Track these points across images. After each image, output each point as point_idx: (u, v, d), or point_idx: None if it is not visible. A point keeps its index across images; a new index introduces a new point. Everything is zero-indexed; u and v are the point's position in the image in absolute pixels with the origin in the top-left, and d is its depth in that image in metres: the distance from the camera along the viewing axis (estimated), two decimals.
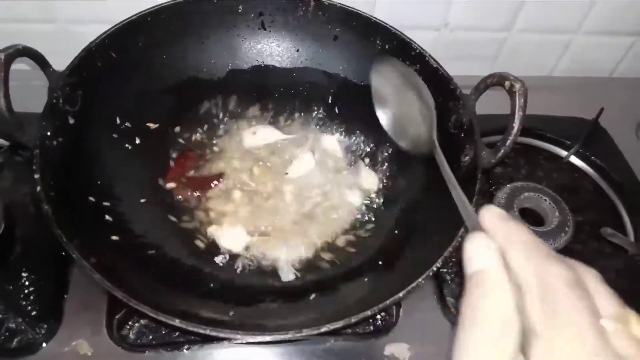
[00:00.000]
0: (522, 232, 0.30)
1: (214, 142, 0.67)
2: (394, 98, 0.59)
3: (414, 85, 0.58)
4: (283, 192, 0.63)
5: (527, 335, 0.26)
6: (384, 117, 0.59)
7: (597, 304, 0.26)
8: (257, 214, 0.61)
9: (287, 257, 0.58)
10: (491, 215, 0.31)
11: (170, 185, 0.61)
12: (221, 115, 0.68)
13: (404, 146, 0.57)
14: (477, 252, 0.29)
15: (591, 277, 0.28)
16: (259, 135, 0.67)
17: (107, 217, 0.53)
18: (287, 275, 0.56)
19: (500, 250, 0.29)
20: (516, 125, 0.50)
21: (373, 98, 0.60)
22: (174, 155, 0.64)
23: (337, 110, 0.69)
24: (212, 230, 0.59)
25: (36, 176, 0.47)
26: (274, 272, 0.57)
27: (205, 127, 0.67)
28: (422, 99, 0.56)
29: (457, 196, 0.39)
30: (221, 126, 0.68)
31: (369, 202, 0.64)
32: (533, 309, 0.26)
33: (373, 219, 0.62)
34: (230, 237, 0.58)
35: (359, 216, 0.62)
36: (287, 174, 0.65)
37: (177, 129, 0.65)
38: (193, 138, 0.66)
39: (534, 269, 0.27)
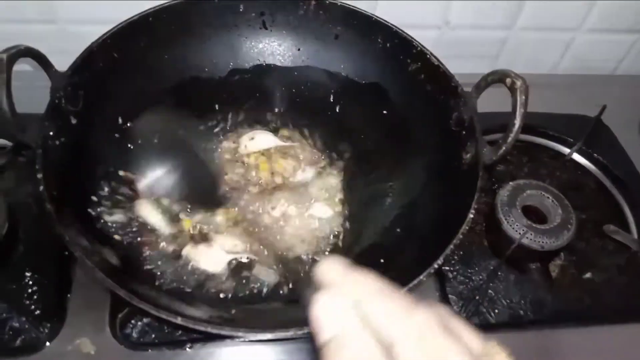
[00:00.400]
0: (371, 281, 0.27)
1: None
2: None
3: None
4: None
5: None
6: None
7: (467, 343, 0.25)
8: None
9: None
10: (331, 268, 0.28)
11: None
12: (223, 116, 0.68)
13: None
14: (325, 314, 0.26)
15: (450, 316, 0.26)
16: (257, 140, 0.67)
17: (109, 215, 0.54)
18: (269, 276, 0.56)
19: (352, 306, 0.26)
20: (517, 122, 0.50)
21: None
22: None
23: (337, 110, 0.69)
24: (186, 252, 0.56)
25: (39, 176, 0.47)
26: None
27: (207, 127, 0.67)
28: None
29: None
30: (223, 126, 0.68)
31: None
32: (405, 352, 0.24)
33: (373, 216, 0.62)
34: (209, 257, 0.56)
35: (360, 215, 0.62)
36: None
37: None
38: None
39: (399, 321, 0.25)
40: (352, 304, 0.26)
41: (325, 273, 0.28)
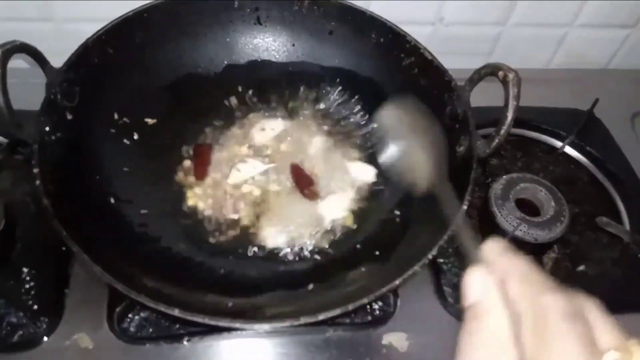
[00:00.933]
0: (520, 263, 0.30)
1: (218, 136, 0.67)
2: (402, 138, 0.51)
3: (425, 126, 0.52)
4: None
5: None
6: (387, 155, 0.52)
7: (596, 334, 0.26)
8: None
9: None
10: (491, 248, 0.32)
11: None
12: (220, 110, 0.69)
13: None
14: (474, 284, 0.30)
15: (591, 308, 0.28)
16: (267, 129, 0.67)
17: (106, 210, 0.54)
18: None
19: (498, 282, 0.29)
20: (510, 114, 0.51)
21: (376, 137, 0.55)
22: (174, 150, 0.64)
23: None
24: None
25: (35, 170, 0.47)
26: (273, 260, 0.58)
27: (206, 121, 0.68)
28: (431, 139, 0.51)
29: (463, 233, 0.37)
30: (221, 120, 0.68)
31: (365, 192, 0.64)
32: (526, 340, 0.26)
33: (370, 209, 0.63)
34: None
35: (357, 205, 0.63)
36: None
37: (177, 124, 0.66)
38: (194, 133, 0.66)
39: (529, 300, 0.28)
40: (499, 281, 0.29)
41: (486, 251, 0.32)
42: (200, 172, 0.62)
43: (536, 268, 0.30)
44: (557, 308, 0.27)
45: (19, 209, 0.61)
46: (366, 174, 0.65)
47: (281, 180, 0.63)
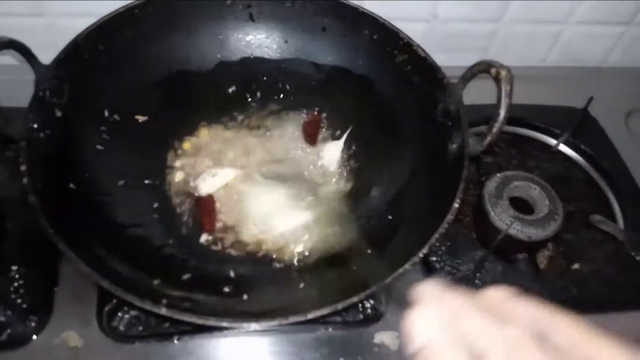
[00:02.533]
0: (466, 298, 0.28)
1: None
2: None
3: None
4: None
5: None
6: None
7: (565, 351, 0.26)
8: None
9: None
10: (428, 289, 0.30)
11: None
12: (211, 108, 0.68)
13: None
14: (421, 325, 0.28)
15: (558, 325, 0.27)
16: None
17: (94, 209, 0.53)
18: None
19: (448, 321, 0.27)
20: (502, 112, 0.50)
21: None
22: (165, 147, 0.64)
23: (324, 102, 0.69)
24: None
25: (22, 168, 0.47)
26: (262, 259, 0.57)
27: (198, 119, 0.67)
28: None
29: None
30: (210, 118, 0.68)
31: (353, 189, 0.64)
32: None
33: (360, 208, 0.62)
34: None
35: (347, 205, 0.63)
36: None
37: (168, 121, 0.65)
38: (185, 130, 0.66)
39: (490, 332, 0.26)
40: (446, 320, 0.27)
41: (422, 292, 0.30)
42: (207, 223, 0.60)
43: (479, 298, 0.28)
44: (524, 336, 0.25)
45: (8, 203, 0.61)
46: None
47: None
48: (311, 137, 0.68)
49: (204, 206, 0.61)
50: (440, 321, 0.27)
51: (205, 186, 0.62)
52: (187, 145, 0.65)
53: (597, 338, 0.26)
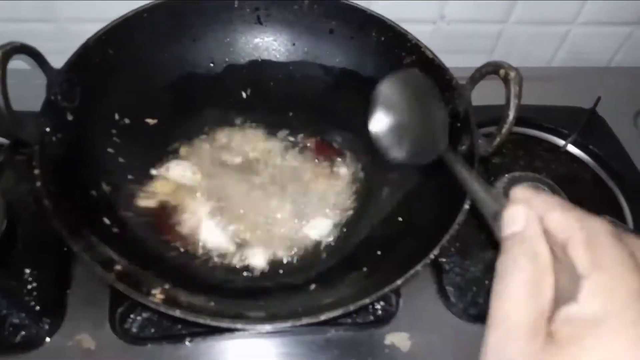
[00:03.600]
0: (556, 199, 0.31)
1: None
2: (401, 108, 0.55)
3: (426, 95, 0.55)
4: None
5: (574, 282, 0.26)
6: (379, 124, 0.54)
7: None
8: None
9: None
10: (523, 190, 0.32)
11: None
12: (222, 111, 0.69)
13: (397, 156, 0.54)
14: (516, 216, 0.30)
15: (630, 234, 0.29)
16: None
17: (107, 211, 0.54)
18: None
19: (537, 218, 0.30)
20: (511, 113, 0.50)
21: (372, 104, 0.55)
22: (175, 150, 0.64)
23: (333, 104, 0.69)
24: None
25: (36, 171, 0.47)
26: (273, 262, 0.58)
27: (206, 122, 0.68)
28: (433, 108, 0.54)
29: (479, 189, 0.39)
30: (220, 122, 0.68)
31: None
32: (577, 253, 0.27)
33: (369, 209, 0.62)
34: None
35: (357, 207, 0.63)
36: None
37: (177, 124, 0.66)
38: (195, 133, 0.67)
39: (575, 220, 0.28)
40: (537, 217, 0.30)
41: (518, 193, 0.32)
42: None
43: (567, 202, 0.31)
44: (604, 228, 0.27)
45: (20, 207, 0.61)
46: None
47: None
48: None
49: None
50: (533, 215, 0.30)
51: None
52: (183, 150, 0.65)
53: None
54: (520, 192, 0.32)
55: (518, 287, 0.27)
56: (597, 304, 0.24)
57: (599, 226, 0.28)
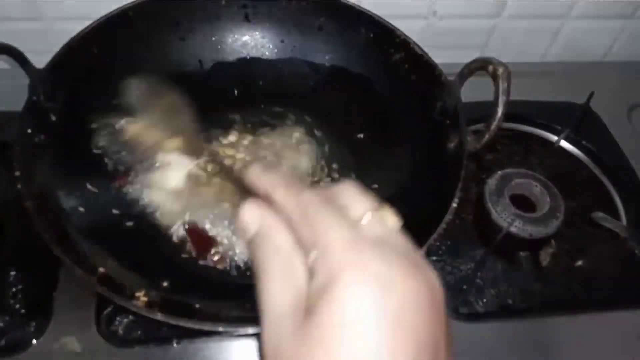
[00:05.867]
0: (280, 175, 0.31)
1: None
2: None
3: None
4: None
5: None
6: None
7: (351, 208, 0.28)
8: None
9: None
10: (251, 173, 0.32)
11: None
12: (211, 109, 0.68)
13: None
14: (247, 217, 0.30)
15: (346, 190, 0.29)
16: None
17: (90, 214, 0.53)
18: None
19: (264, 199, 0.30)
20: (500, 109, 0.50)
21: None
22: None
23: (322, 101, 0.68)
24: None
25: (16, 173, 0.46)
26: None
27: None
28: None
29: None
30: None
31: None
32: (299, 229, 0.28)
33: None
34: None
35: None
36: None
37: None
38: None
39: (293, 197, 0.29)
40: (264, 196, 0.30)
41: (250, 173, 0.32)
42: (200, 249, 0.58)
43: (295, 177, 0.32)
44: (315, 199, 0.28)
45: (6, 208, 0.61)
46: None
47: None
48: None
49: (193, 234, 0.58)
50: (262, 207, 0.30)
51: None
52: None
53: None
54: (249, 177, 0.32)
55: (273, 281, 0.28)
56: (324, 274, 0.26)
57: (310, 197, 0.28)
